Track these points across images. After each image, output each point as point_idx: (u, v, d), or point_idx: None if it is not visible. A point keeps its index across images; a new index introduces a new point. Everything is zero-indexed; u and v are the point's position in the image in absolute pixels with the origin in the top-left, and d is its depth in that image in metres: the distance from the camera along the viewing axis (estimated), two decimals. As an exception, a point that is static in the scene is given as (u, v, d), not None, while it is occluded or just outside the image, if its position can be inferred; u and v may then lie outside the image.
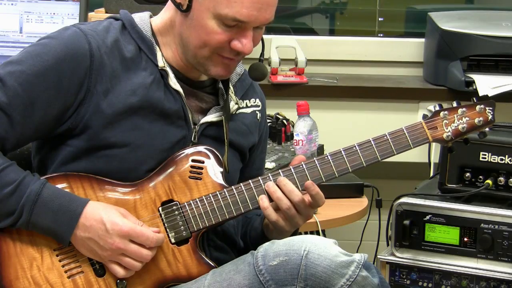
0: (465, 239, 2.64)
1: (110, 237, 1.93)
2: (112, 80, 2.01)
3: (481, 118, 2.13)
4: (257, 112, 2.22)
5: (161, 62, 2.06)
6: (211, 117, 2.11)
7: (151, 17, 2.12)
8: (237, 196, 2.03)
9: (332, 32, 4.18)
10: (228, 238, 2.16)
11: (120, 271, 1.96)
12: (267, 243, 1.96)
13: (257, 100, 2.23)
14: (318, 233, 2.78)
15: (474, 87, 3.37)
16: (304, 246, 1.91)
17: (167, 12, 2.09)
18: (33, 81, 1.96)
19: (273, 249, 1.93)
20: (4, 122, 1.94)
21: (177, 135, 2.06)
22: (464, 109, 2.13)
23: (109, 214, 1.95)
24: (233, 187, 2.04)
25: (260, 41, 2.10)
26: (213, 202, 2.02)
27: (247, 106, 2.20)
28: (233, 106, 2.15)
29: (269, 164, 2.88)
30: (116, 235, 1.93)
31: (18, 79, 1.95)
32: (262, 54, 2.16)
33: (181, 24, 2.04)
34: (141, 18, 2.10)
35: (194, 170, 2.04)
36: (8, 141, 1.96)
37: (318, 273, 1.88)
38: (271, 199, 2.02)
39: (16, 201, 1.92)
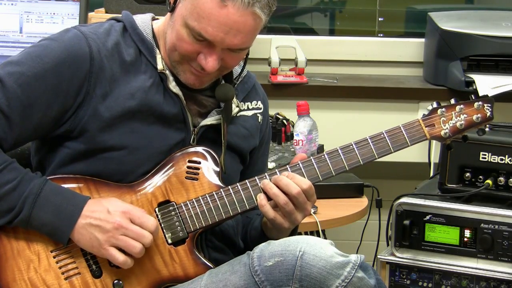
0: (465, 239, 2.63)
1: (111, 217, 1.94)
2: (111, 83, 2.01)
3: (479, 115, 2.11)
4: (258, 114, 2.21)
5: (160, 65, 2.06)
6: (211, 119, 2.11)
7: (153, 19, 2.12)
8: (233, 195, 2.03)
9: (332, 32, 4.17)
10: (227, 239, 2.16)
11: (120, 257, 1.94)
12: (263, 244, 1.96)
13: (259, 102, 2.23)
14: (318, 233, 2.77)
15: (474, 87, 3.36)
16: (300, 246, 1.90)
17: (167, 15, 2.09)
18: (32, 83, 1.96)
19: (268, 250, 1.93)
20: (2, 123, 1.94)
21: (176, 137, 2.06)
22: (462, 106, 2.11)
23: (111, 201, 1.97)
24: (229, 187, 2.03)
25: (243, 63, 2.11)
26: (210, 202, 2.02)
27: (248, 109, 2.20)
28: (234, 108, 2.14)
29: (269, 164, 2.87)
30: (118, 214, 1.94)
31: (18, 81, 1.95)
32: (237, 77, 2.15)
33: (167, 24, 2.05)
34: (143, 20, 2.10)
35: (191, 170, 2.04)
36: (6, 141, 1.97)
37: (313, 273, 1.88)
38: (269, 198, 2.02)
39: (18, 195, 1.93)
